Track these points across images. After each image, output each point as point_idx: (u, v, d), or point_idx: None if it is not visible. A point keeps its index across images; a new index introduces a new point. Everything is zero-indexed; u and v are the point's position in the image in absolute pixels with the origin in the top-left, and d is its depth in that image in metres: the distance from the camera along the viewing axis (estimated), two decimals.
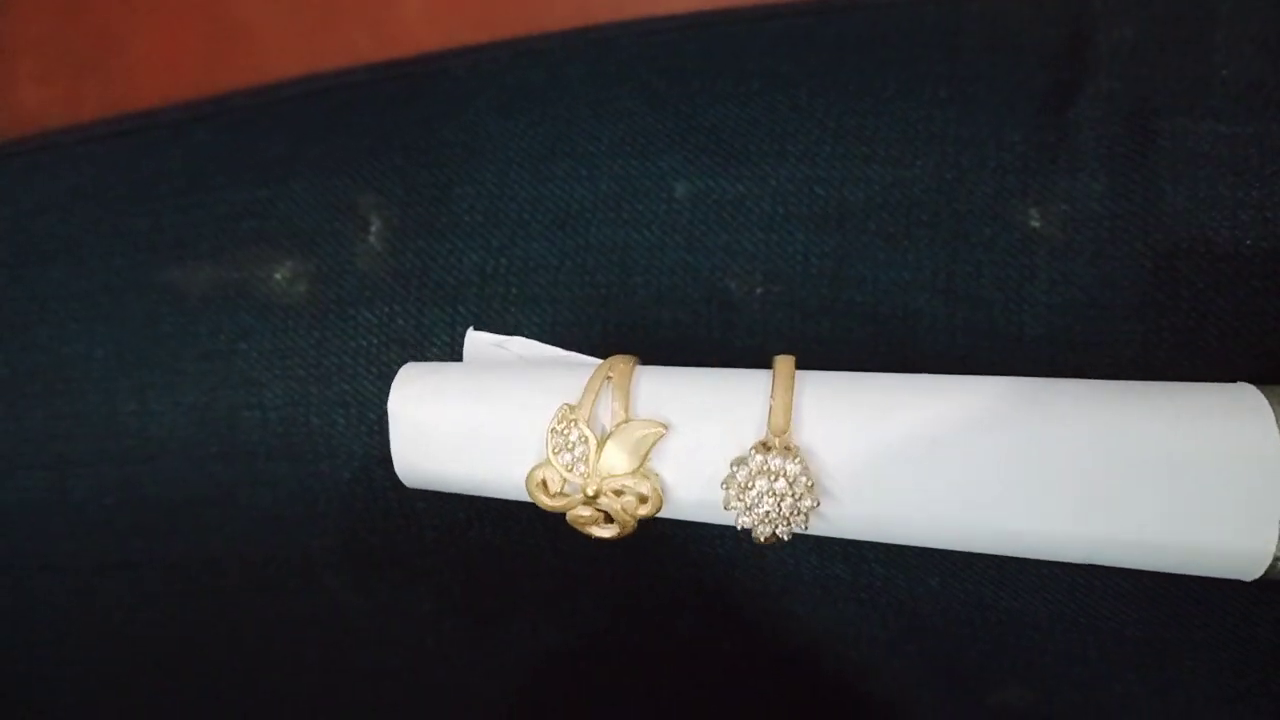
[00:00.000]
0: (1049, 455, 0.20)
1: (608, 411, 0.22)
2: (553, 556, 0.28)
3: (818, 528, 0.22)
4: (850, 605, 0.26)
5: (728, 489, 0.21)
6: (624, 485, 0.22)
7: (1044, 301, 0.24)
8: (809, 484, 0.21)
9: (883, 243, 0.25)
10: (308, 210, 0.29)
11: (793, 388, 0.21)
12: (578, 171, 0.28)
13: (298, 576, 0.29)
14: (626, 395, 0.22)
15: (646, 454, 0.22)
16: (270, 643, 0.29)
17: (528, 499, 0.23)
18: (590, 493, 0.22)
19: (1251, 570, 0.20)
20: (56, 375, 0.29)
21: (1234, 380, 0.23)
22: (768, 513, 0.21)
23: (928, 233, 0.25)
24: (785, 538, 0.21)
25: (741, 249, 0.26)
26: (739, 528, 0.21)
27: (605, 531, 0.22)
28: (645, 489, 0.22)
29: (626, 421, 0.22)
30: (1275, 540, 0.19)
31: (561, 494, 0.22)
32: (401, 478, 0.24)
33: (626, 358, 0.23)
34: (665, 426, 0.22)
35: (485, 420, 0.23)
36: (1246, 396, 0.20)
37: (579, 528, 0.23)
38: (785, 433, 0.21)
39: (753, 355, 0.26)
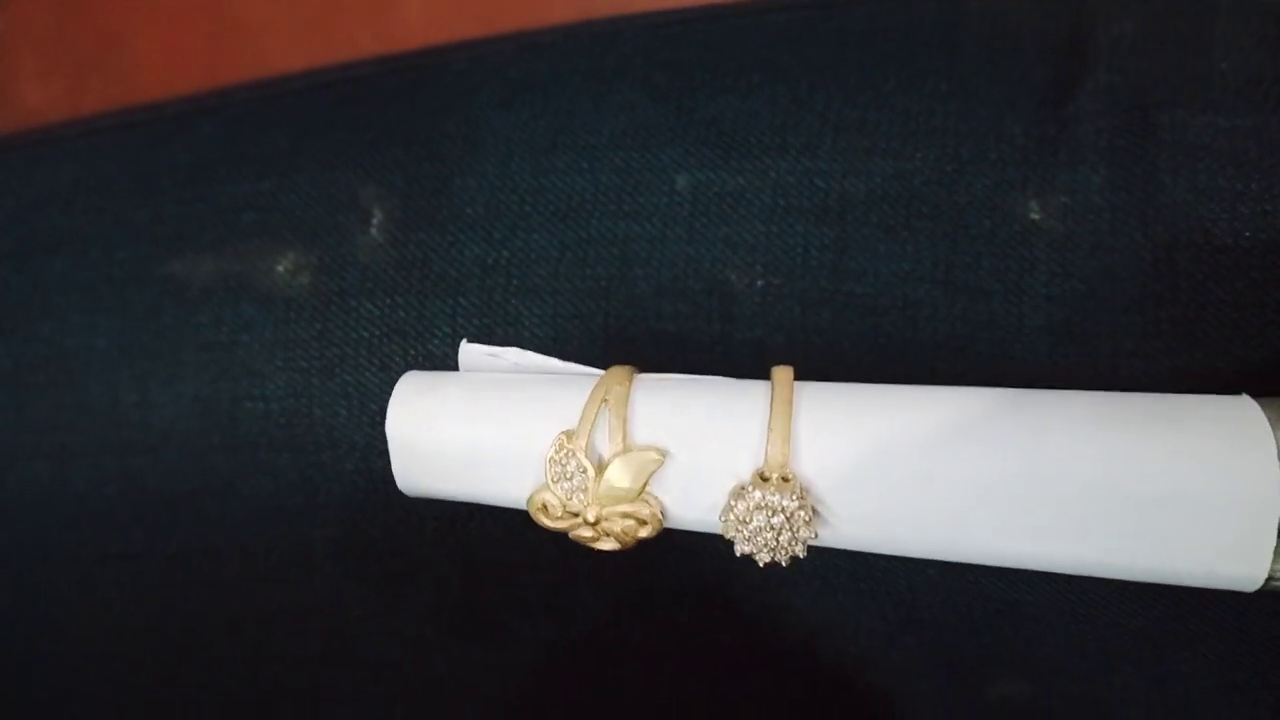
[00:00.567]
0: (1046, 479, 0.20)
1: (605, 435, 0.22)
2: (553, 549, 0.28)
3: (816, 544, 0.22)
4: (849, 597, 0.26)
5: (725, 520, 0.21)
6: (624, 511, 0.22)
7: (1043, 293, 0.24)
8: (806, 518, 0.21)
9: (883, 235, 0.25)
10: (310, 203, 0.29)
11: (790, 413, 0.21)
12: (579, 164, 0.28)
13: (298, 567, 0.29)
14: (624, 421, 0.22)
15: (646, 482, 0.22)
16: (271, 633, 0.29)
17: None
18: (591, 519, 0.22)
19: (1246, 587, 0.20)
20: (59, 366, 0.29)
21: (1233, 373, 0.23)
22: (766, 542, 0.21)
23: (928, 225, 0.25)
24: (784, 564, 0.21)
25: (742, 241, 0.26)
26: (739, 555, 0.21)
27: (607, 545, 0.23)
28: (645, 514, 0.22)
29: (625, 451, 0.22)
30: (1268, 565, 0.19)
31: (563, 518, 0.22)
32: (403, 490, 0.24)
33: (623, 373, 0.23)
34: (663, 454, 0.22)
35: (483, 443, 0.23)
36: (1246, 412, 0.20)
37: (580, 544, 0.23)
38: (783, 465, 0.21)
39: (753, 347, 0.26)
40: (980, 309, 0.25)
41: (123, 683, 0.30)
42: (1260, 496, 0.19)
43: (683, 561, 0.27)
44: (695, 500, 0.22)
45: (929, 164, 0.26)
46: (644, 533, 0.22)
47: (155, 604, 0.30)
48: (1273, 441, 0.19)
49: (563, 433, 0.22)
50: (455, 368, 0.26)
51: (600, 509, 0.22)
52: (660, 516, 0.22)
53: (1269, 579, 0.19)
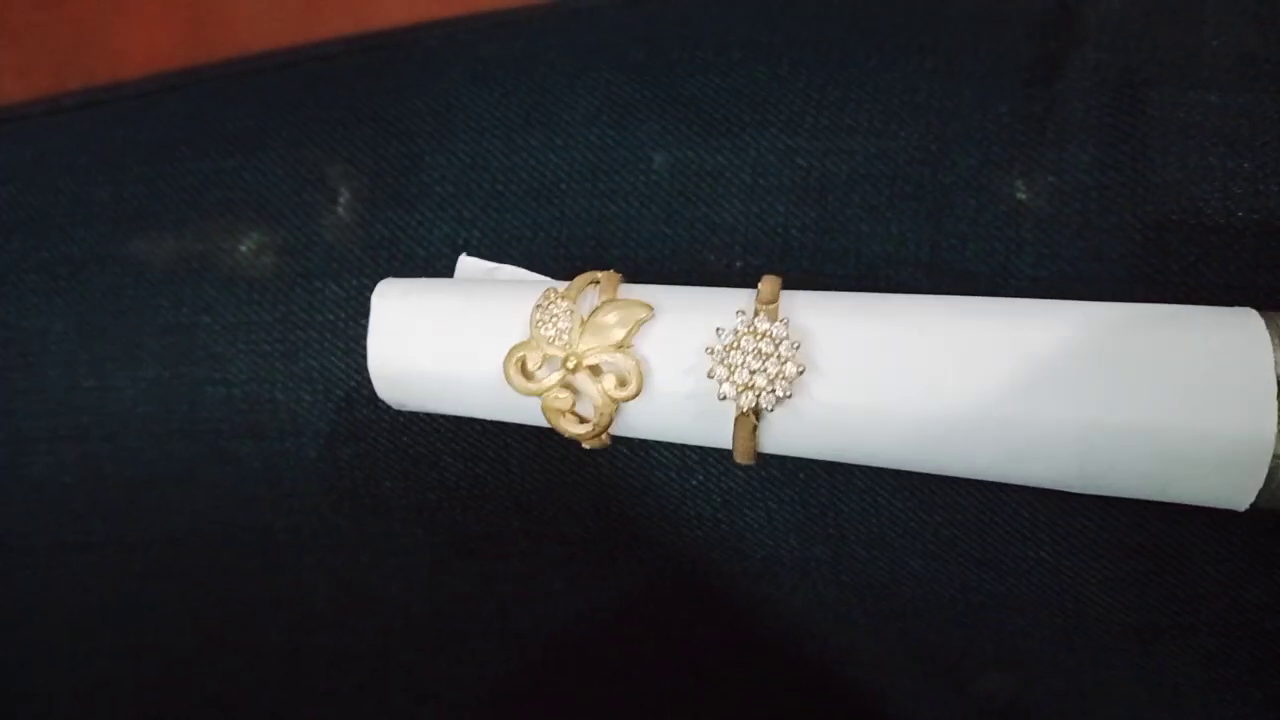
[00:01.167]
0: (1041, 340, 0.20)
1: (592, 301, 0.22)
2: (524, 540, 0.27)
3: (798, 431, 0.21)
4: (830, 588, 0.25)
5: (711, 353, 0.21)
6: (605, 361, 0.21)
7: (1030, 275, 0.24)
8: (795, 345, 0.20)
9: (865, 215, 0.25)
10: (275, 181, 0.28)
11: (780, 280, 0.21)
12: (553, 141, 0.27)
13: (261, 558, 0.28)
14: (614, 291, 0.22)
15: (631, 331, 0.21)
16: (232, 626, 0.29)
17: (502, 417, 0.22)
18: (570, 366, 0.21)
19: (1252, 469, 0.19)
20: (15, 350, 0.29)
21: None
22: (751, 378, 0.20)
23: (912, 205, 0.25)
24: (769, 408, 0.20)
25: (721, 222, 0.26)
26: (720, 398, 0.20)
27: (579, 428, 0.22)
28: (629, 368, 0.21)
29: (614, 299, 0.21)
30: (1276, 424, 0.19)
31: (540, 371, 0.22)
32: (374, 376, 0.23)
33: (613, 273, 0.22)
34: (652, 309, 0.21)
35: (466, 308, 0.23)
36: (1247, 320, 0.20)
37: (552, 420, 0.22)
38: (773, 304, 0.21)
39: None
40: (965, 291, 0.24)
41: (80, 674, 0.30)
42: (1256, 403, 0.19)
43: (659, 552, 0.26)
44: (679, 360, 0.21)
45: (913, 143, 0.25)
46: (623, 394, 0.21)
47: (112, 595, 0.29)
48: (1269, 349, 0.19)
49: (551, 288, 0.22)
50: None
51: (582, 355, 0.21)
52: (641, 375, 0.21)
53: (1275, 459, 0.19)
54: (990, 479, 0.21)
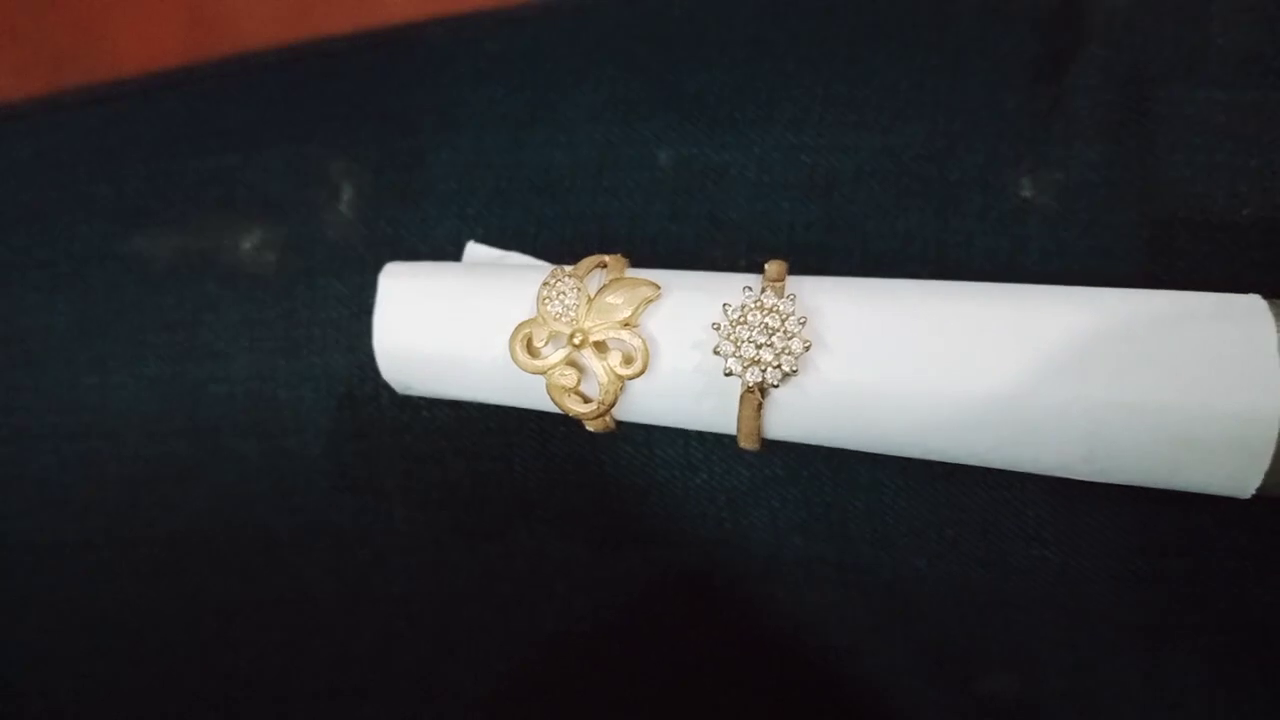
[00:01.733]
0: (1050, 323, 0.20)
1: (598, 281, 0.22)
2: (528, 539, 0.27)
3: (804, 411, 0.21)
4: (835, 588, 0.25)
5: (718, 329, 0.20)
6: (611, 338, 0.21)
7: (1036, 272, 0.23)
8: (801, 320, 0.20)
9: (871, 212, 0.25)
10: (278, 178, 0.28)
11: (786, 263, 0.21)
12: (557, 138, 0.27)
13: (262, 556, 0.28)
14: (621, 272, 0.22)
15: (638, 310, 0.21)
16: (233, 624, 0.28)
17: (507, 400, 0.22)
18: (576, 342, 0.21)
19: (1259, 450, 0.19)
20: (16, 347, 0.28)
21: None
22: (758, 353, 0.20)
23: (918, 202, 0.24)
24: (775, 383, 0.20)
25: (726, 218, 0.25)
26: (725, 373, 0.20)
27: (584, 407, 0.22)
28: (635, 345, 0.21)
29: (621, 278, 0.21)
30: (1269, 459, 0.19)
31: (546, 348, 0.22)
32: (379, 355, 0.23)
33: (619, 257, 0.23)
34: (658, 288, 0.21)
35: (473, 289, 0.23)
36: (1249, 300, 0.20)
37: (557, 399, 0.22)
38: (780, 281, 0.21)
39: None
40: None
41: (80, 674, 0.29)
42: (1263, 383, 0.19)
43: (665, 551, 0.26)
44: (684, 337, 0.21)
45: (919, 139, 0.25)
46: (629, 371, 0.21)
47: (114, 593, 0.28)
48: (1275, 331, 0.19)
49: (558, 267, 0.22)
50: None
51: (588, 330, 0.21)
52: (647, 352, 0.21)
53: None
54: (997, 465, 0.21)
